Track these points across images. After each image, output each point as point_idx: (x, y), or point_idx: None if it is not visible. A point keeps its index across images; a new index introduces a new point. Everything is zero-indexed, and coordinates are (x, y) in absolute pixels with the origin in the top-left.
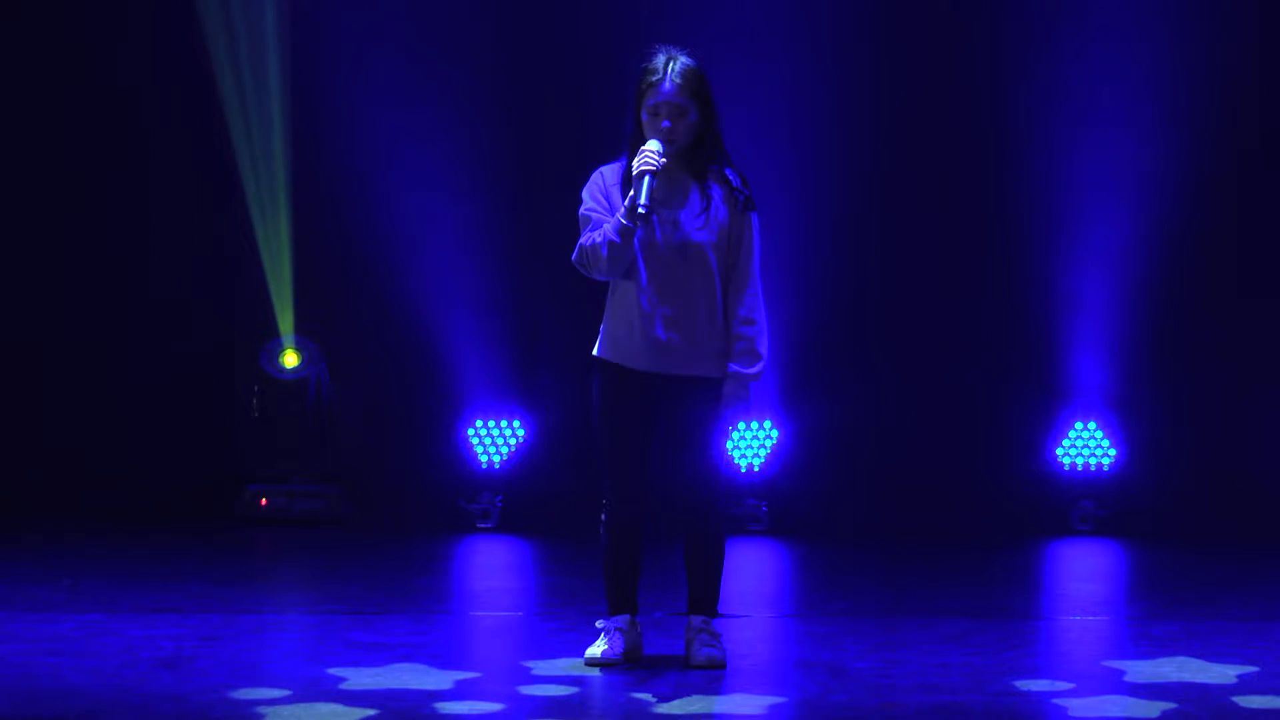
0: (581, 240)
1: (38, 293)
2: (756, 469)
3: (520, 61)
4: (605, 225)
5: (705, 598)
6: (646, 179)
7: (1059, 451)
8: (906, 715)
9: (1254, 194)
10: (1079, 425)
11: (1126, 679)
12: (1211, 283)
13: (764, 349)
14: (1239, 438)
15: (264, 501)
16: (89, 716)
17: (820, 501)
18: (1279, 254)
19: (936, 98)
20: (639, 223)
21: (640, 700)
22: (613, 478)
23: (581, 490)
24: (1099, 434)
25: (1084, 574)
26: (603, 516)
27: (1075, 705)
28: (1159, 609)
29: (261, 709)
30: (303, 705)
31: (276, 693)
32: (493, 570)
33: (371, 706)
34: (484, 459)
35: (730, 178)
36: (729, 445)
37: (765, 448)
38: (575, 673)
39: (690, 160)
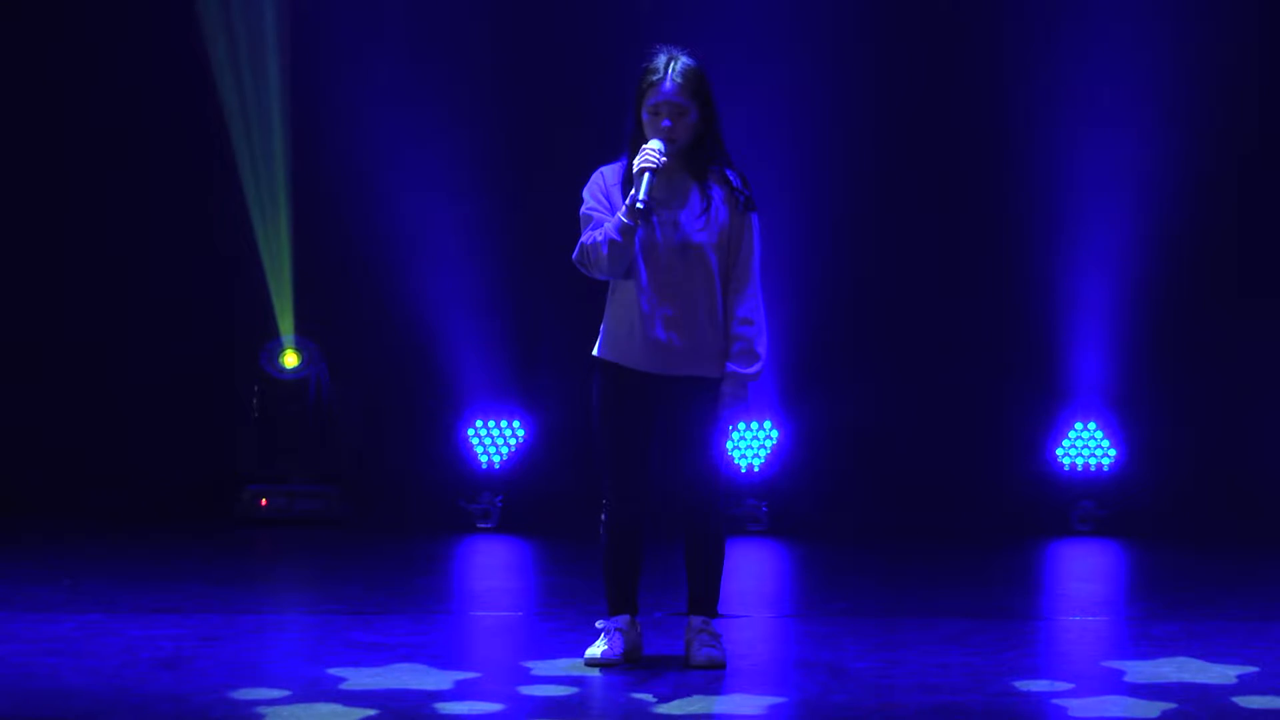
0: (582, 239)
1: (38, 293)
2: (756, 469)
3: (520, 61)
4: (606, 224)
5: (705, 598)
6: (646, 175)
7: (1059, 451)
8: (906, 715)
9: (1254, 194)
10: (1079, 425)
11: (1126, 679)
12: (1211, 283)
13: (762, 350)
14: (1239, 438)
15: (264, 501)
16: (88, 717)
17: (820, 502)
18: (1279, 254)
19: (936, 98)
20: (640, 221)
21: (640, 700)
22: (612, 478)
23: (581, 490)
24: (1099, 434)
25: (1084, 574)
26: (602, 516)
27: (1075, 705)
28: (1159, 609)
29: (261, 709)
30: (302, 705)
31: (276, 693)
32: (493, 570)
33: (371, 707)
34: (484, 459)
35: (730, 178)
36: (729, 445)
37: (765, 448)
38: (575, 673)
39: (690, 161)
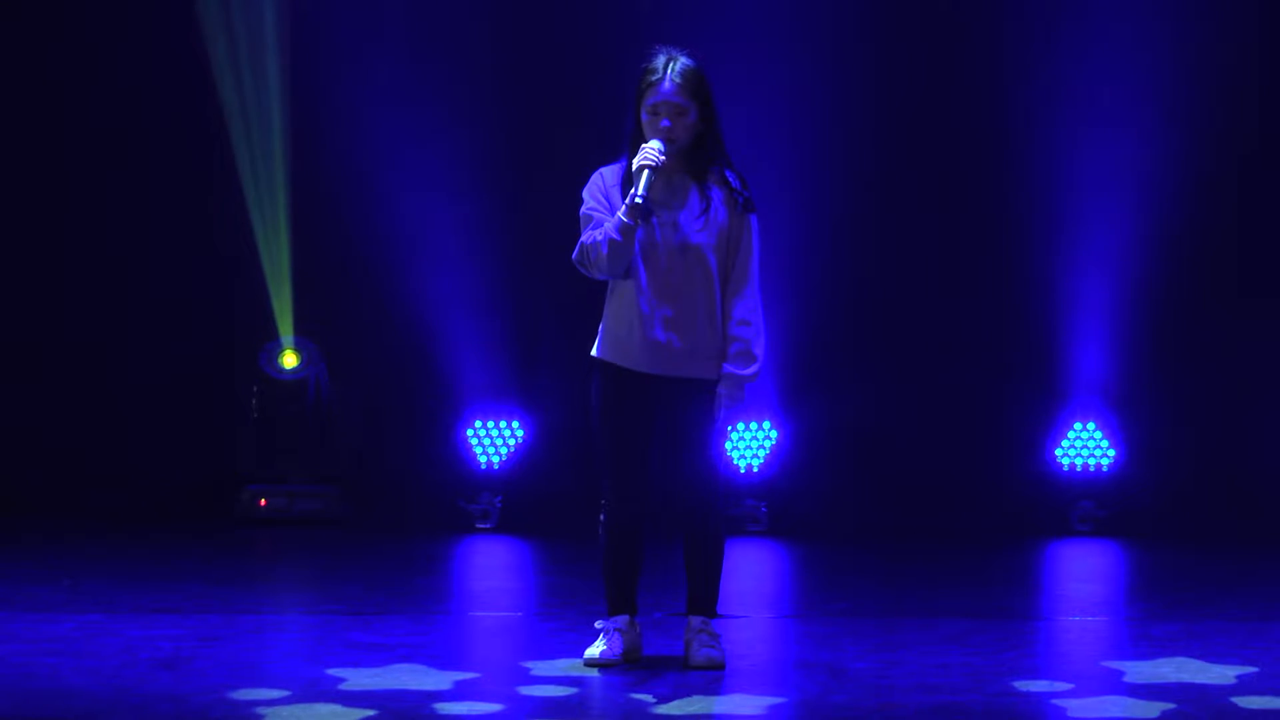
0: (582, 239)
1: (38, 293)
2: (756, 469)
3: (520, 61)
4: (606, 224)
5: (704, 598)
6: (646, 173)
7: (1059, 452)
8: (906, 715)
9: (1254, 194)
10: (1078, 425)
11: (1126, 679)
12: (1211, 283)
13: (760, 351)
14: (1239, 438)
15: (263, 502)
16: (88, 717)
17: (820, 502)
18: (1279, 254)
19: (936, 98)
20: (639, 220)
21: (639, 701)
22: (612, 478)
23: (581, 490)
24: (1098, 434)
25: (1083, 574)
26: (602, 517)
27: (1074, 706)
28: (1158, 609)
29: (261, 709)
30: (302, 706)
31: (276, 693)
32: (492, 570)
33: (371, 707)
34: (483, 459)
35: (730, 179)
36: (728, 446)
37: (764, 448)
38: (574, 673)
39: (690, 162)
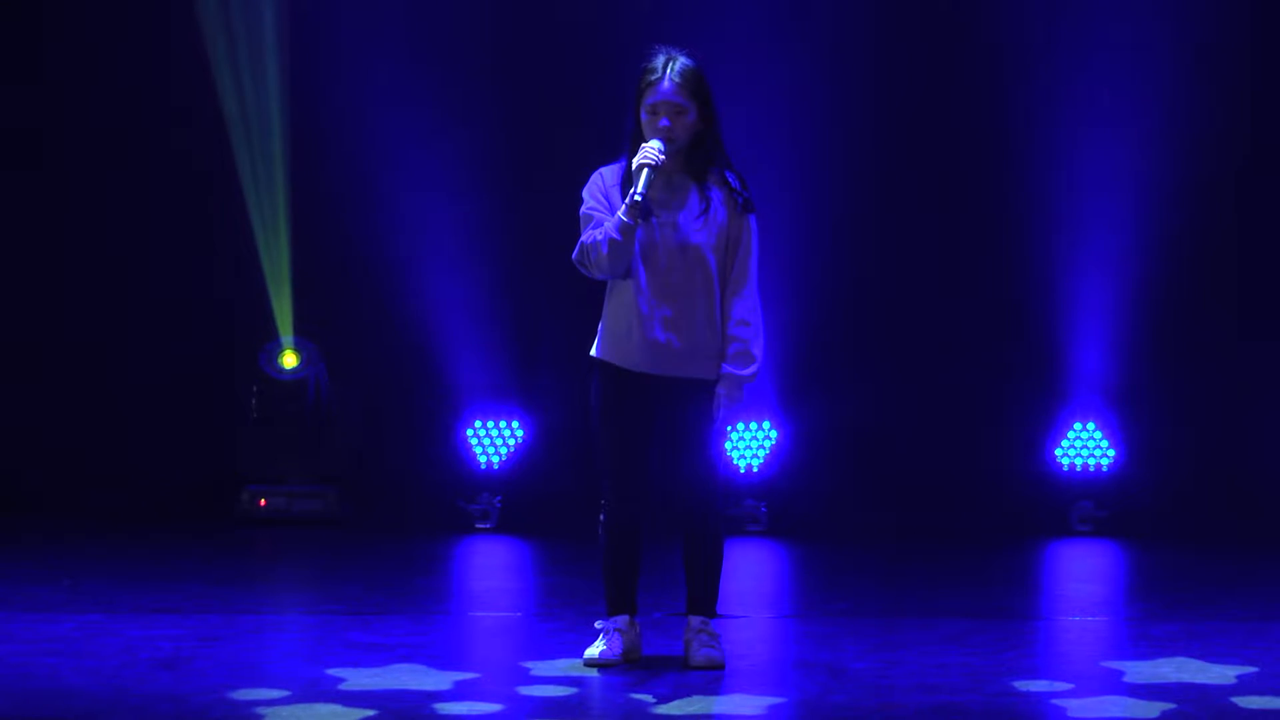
0: (583, 239)
1: (38, 293)
2: (755, 469)
3: (520, 62)
4: (606, 223)
5: (704, 598)
6: (645, 171)
7: (1058, 452)
8: (906, 715)
9: (1254, 195)
10: (1078, 425)
11: (1126, 679)
12: (1211, 283)
13: (759, 351)
14: (1239, 438)
15: (263, 502)
16: (88, 717)
17: (819, 502)
18: (1278, 254)
19: (936, 98)
20: (639, 220)
21: (639, 701)
22: (611, 478)
23: (581, 490)
24: (1098, 434)
25: (1083, 574)
26: (601, 517)
27: (1074, 706)
28: (1158, 609)
29: (260, 709)
30: (302, 706)
31: (275, 693)
32: (492, 571)
33: (370, 707)
34: (483, 459)
35: (730, 179)
36: (728, 446)
37: (764, 448)
38: (574, 673)
39: (690, 162)
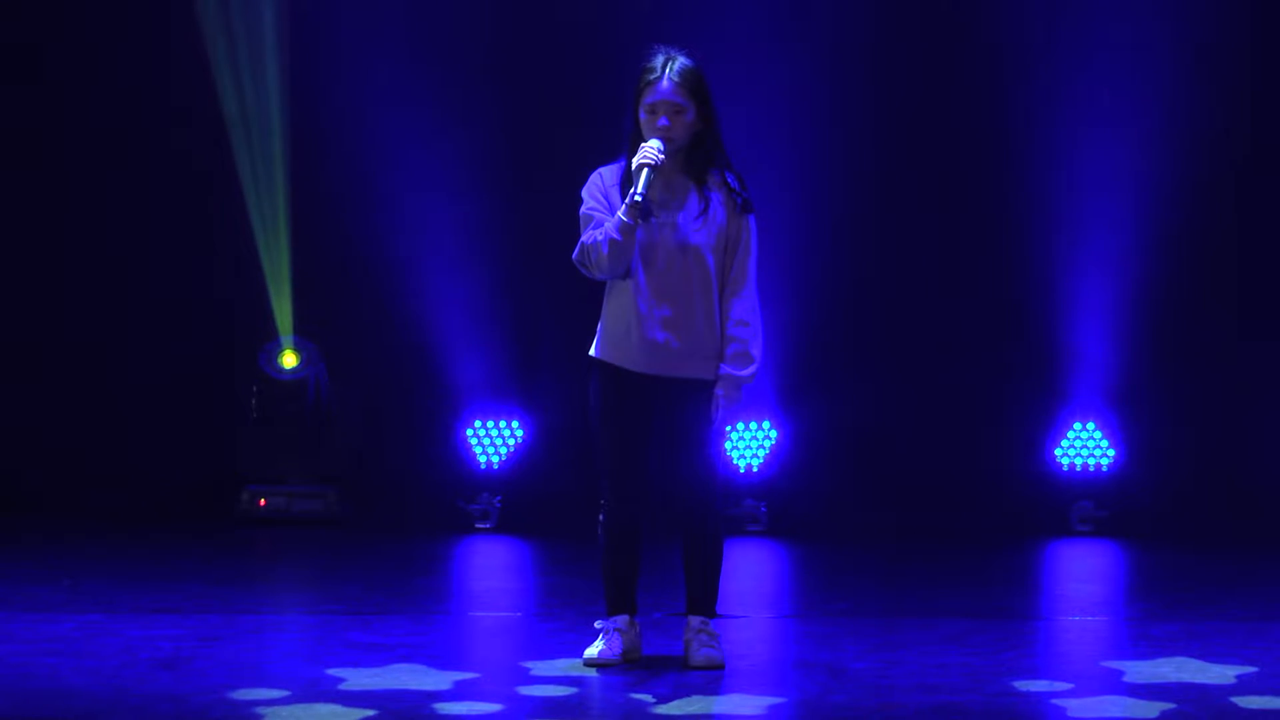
0: (583, 239)
1: (38, 293)
2: (755, 469)
3: (520, 62)
4: (606, 224)
5: (703, 598)
6: (645, 171)
7: (1058, 452)
8: (905, 715)
9: (1254, 195)
10: (1078, 425)
11: (1125, 679)
12: (1211, 283)
13: (757, 352)
14: (1239, 438)
15: (263, 502)
16: (88, 717)
17: (819, 502)
18: (1278, 255)
19: (936, 98)
20: (639, 219)
21: (639, 701)
22: (611, 478)
23: (580, 490)
24: (1098, 434)
25: (1083, 574)
26: (601, 517)
27: (1074, 705)
28: (1158, 609)
29: (260, 709)
30: (302, 706)
31: (275, 693)
32: (491, 571)
33: (370, 707)
34: (483, 459)
35: (729, 180)
36: (727, 446)
37: (764, 448)
38: (574, 673)
39: (689, 162)
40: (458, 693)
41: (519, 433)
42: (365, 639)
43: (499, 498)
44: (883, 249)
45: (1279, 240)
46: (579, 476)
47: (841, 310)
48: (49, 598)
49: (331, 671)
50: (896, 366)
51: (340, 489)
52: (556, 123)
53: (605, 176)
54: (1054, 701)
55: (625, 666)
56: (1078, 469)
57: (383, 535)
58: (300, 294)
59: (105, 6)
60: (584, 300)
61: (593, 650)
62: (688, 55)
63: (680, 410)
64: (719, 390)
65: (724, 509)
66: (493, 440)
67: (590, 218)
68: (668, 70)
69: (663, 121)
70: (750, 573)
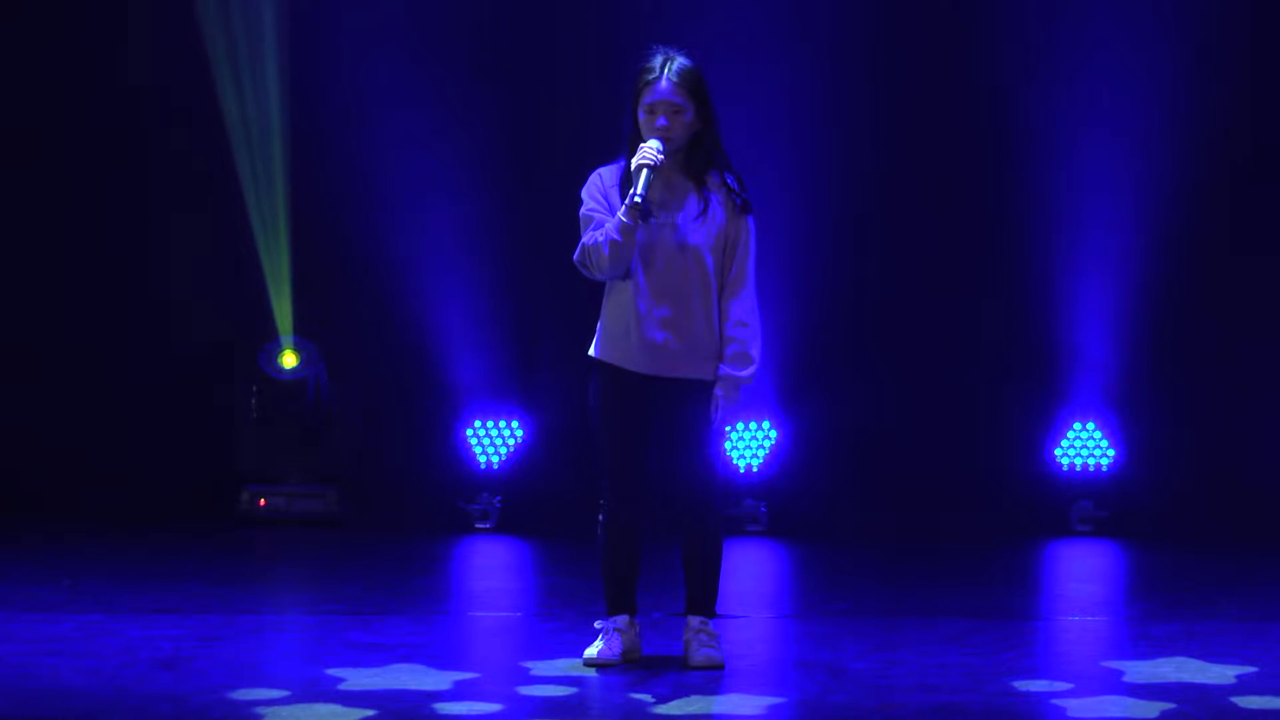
0: (583, 240)
1: (38, 293)
2: (755, 469)
3: (520, 62)
4: (606, 225)
5: (703, 598)
6: (645, 172)
7: (1058, 452)
8: (905, 715)
9: (1254, 195)
10: (1078, 425)
11: (1125, 679)
12: (1211, 283)
13: (757, 352)
14: (1238, 438)
15: (263, 502)
16: (88, 717)
17: (819, 502)
18: (1278, 255)
19: (936, 98)
20: (639, 220)
21: (638, 700)
22: (610, 478)
23: (580, 490)
24: (1098, 434)
25: (1083, 574)
26: (600, 517)
27: (1074, 705)
28: (1158, 609)
29: (260, 709)
30: (302, 706)
31: (275, 693)
32: (491, 571)
33: (370, 707)
34: (483, 459)
35: (728, 180)
36: (727, 446)
37: (764, 448)
38: (574, 673)
39: (688, 163)
40: (458, 693)
41: (519, 433)
42: (365, 639)
43: (499, 498)
44: (883, 249)
45: (1278, 240)
46: (579, 476)
47: (841, 310)
48: (49, 598)
49: (331, 671)
50: (896, 366)
51: (340, 489)
52: (556, 123)
53: (605, 177)
54: (1054, 701)
55: (625, 666)
56: (1078, 469)
57: (383, 535)
58: (300, 294)
59: (105, 6)
60: (584, 300)
61: (592, 650)
62: (686, 55)
63: (679, 410)
64: (718, 391)
65: (724, 509)
66: (493, 440)
67: (590, 219)
68: (666, 70)
69: (661, 122)
70: (750, 573)
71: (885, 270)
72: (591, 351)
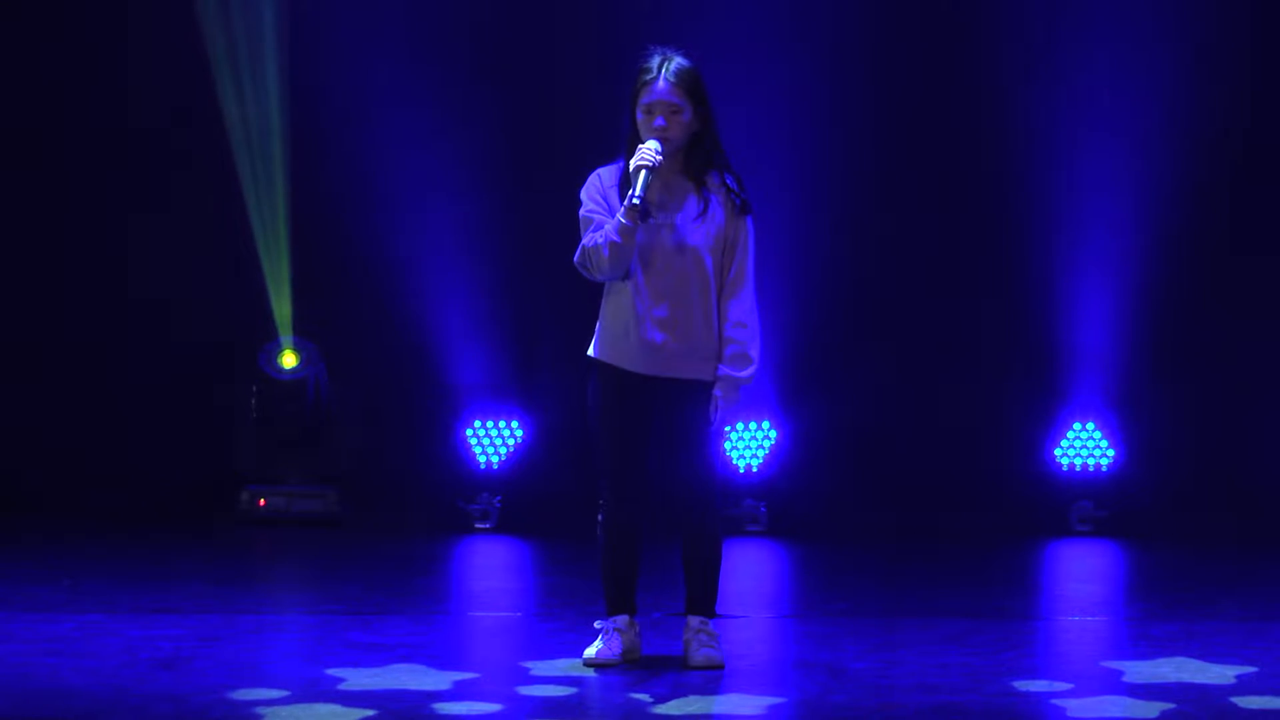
0: (583, 242)
1: (38, 293)
2: (755, 469)
3: (520, 62)
4: (606, 226)
5: (703, 598)
6: (643, 173)
7: (1058, 452)
8: (905, 715)
9: (1254, 195)
10: (1078, 425)
11: (1125, 679)
12: (1211, 283)
13: (756, 353)
14: (1238, 438)
15: (263, 502)
16: (88, 717)
17: (819, 502)
18: (1278, 254)
19: (936, 98)
20: (638, 221)
21: (638, 700)
22: (610, 478)
23: (580, 490)
24: (1098, 434)
25: (1083, 574)
26: (600, 517)
27: (1074, 706)
28: (1158, 609)
29: (260, 709)
30: (301, 706)
31: (275, 693)
32: (491, 571)
33: (370, 707)
34: (482, 459)
35: (727, 181)
36: (727, 446)
37: (764, 448)
38: (573, 673)
39: (687, 163)
40: (457, 693)
41: (519, 433)
42: (365, 639)
43: (499, 498)
44: (883, 249)
45: (1278, 240)
46: (579, 476)
47: (841, 310)
48: (49, 598)
49: (331, 671)
50: (896, 366)
51: (340, 489)
52: (556, 123)
53: (604, 178)
54: (1054, 701)
55: (625, 666)
56: (1078, 469)
57: (383, 535)
58: (300, 294)
59: (105, 6)
60: (584, 300)
61: (592, 650)
62: (684, 55)
63: (679, 411)
64: (717, 391)
65: (723, 509)
66: (492, 440)
67: (590, 220)
68: (664, 70)
69: (659, 122)
70: (750, 573)
71: (885, 270)
72: (591, 352)
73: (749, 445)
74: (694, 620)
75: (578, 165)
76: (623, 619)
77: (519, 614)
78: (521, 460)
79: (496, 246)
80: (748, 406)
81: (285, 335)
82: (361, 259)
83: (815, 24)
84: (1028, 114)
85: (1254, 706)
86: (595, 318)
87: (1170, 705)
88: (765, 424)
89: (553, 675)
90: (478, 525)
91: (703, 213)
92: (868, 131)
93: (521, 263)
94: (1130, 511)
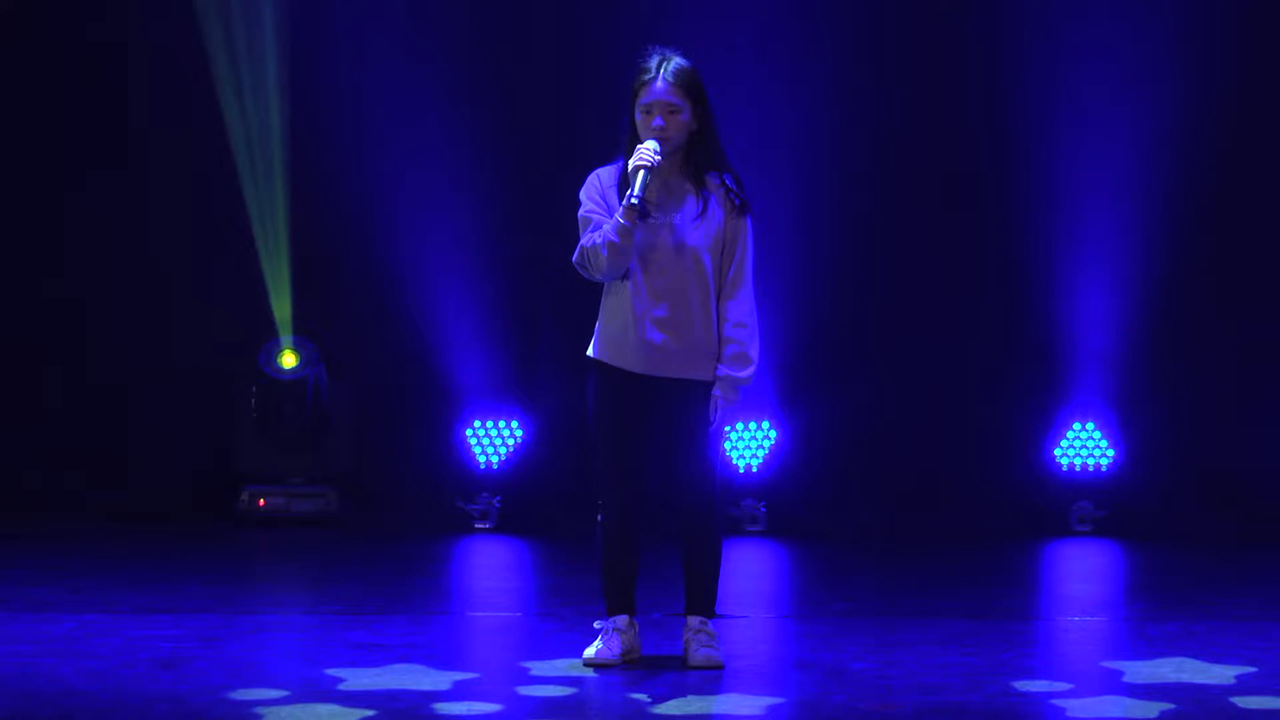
0: (582, 242)
1: (38, 293)
2: (755, 469)
3: (519, 62)
4: (605, 226)
5: (702, 598)
6: (641, 173)
7: (1058, 452)
8: (905, 716)
9: (1254, 195)
10: (1078, 425)
11: (1125, 679)
12: (1211, 283)
13: (755, 353)
14: (1238, 438)
15: (262, 502)
16: (88, 717)
17: (819, 502)
18: (1278, 255)
19: (936, 97)
20: (637, 221)
21: (637, 700)
22: (609, 479)
23: (580, 490)
24: (1098, 434)
25: (1082, 574)
26: (600, 517)
27: (1073, 706)
28: (1157, 609)
29: (260, 709)
30: (301, 706)
31: (275, 693)
32: (491, 571)
33: (370, 707)
34: (482, 459)
35: (727, 181)
36: (727, 446)
37: (764, 448)
38: (573, 673)
39: (686, 163)
40: (457, 693)
41: (518, 433)
42: (364, 639)
43: (499, 498)
44: (883, 249)
45: (1278, 241)
46: (578, 476)
47: (841, 310)
48: (49, 598)
49: (331, 671)
50: (896, 366)
51: (340, 489)
52: (557, 122)
53: (603, 177)
54: (1053, 702)
55: (624, 667)
56: (1077, 469)
57: (382, 535)
58: (300, 294)
59: (106, 7)
60: (583, 300)
61: (591, 650)
62: (683, 55)
63: (678, 411)
64: (717, 391)
65: (723, 509)
66: (492, 440)
67: (589, 220)
68: (662, 70)
69: (658, 122)
70: (750, 573)
71: (885, 270)
72: (590, 352)
73: (749, 445)
74: (694, 620)
75: (578, 165)
76: (622, 619)
77: (519, 614)
78: (521, 460)
79: (496, 246)
80: (747, 406)
81: (285, 335)
82: (361, 259)
83: (816, 24)
84: (1028, 114)
85: (1254, 706)
86: (595, 318)
87: (1170, 705)
88: (765, 424)
89: (552, 675)
90: (477, 525)
91: (702, 213)
92: (868, 132)
93: (521, 263)
94: (1130, 511)
